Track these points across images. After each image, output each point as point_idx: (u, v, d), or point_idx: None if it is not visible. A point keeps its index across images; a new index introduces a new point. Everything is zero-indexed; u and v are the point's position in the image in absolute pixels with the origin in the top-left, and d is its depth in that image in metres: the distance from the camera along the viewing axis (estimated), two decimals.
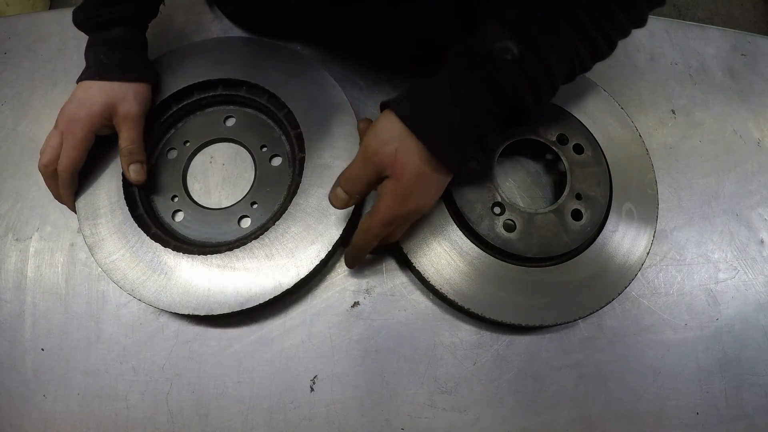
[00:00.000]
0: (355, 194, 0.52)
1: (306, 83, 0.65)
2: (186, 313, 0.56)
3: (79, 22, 0.59)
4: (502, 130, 0.55)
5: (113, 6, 0.58)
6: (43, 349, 0.61)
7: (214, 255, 0.58)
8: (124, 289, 0.57)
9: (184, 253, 0.59)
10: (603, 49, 0.51)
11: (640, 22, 0.52)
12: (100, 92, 0.56)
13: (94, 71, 0.58)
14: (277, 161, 0.66)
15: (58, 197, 0.60)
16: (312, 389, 0.60)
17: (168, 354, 0.60)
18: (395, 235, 0.57)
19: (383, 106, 0.51)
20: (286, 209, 0.60)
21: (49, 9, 1.94)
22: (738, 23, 2.02)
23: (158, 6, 0.65)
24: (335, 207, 0.54)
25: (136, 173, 0.58)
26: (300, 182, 0.61)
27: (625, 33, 0.52)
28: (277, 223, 0.60)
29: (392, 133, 0.49)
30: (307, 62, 0.67)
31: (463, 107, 0.48)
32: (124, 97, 0.57)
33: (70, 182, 0.58)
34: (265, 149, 0.66)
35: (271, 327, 0.62)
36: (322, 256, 0.58)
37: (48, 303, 0.62)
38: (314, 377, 0.60)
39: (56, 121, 0.57)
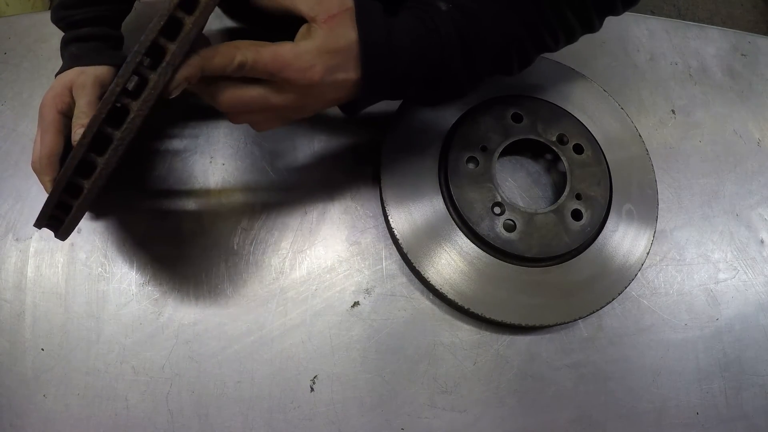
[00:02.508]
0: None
1: None
2: None
3: (55, 20, 0.62)
4: (429, 96, 0.53)
5: (85, 7, 0.60)
6: (43, 349, 0.61)
7: None
8: None
9: None
10: (549, 44, 0.54)
11: (590, 28, 0.56)
12: (63, 77, 0.58)
13: (66, 64, 0.60)
14: None
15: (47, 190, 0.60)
16: (312, 389, 0.60)
17: (168, 354, 0.60)
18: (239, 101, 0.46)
19: None
20: None
21: (49, 9, 1.94)
22: (738, 23, 2.02)
23: (131, 5, 0.66)
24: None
25: (79, 135, 0.56)
26: None
27: (573, 36, 0.56)
28: None
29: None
30: None
31: (403, 41, 0.47)
32: (82, 72, 0.58)
33: (48, 167, 0.57)
34: None
35: (271, 327, 0.62)
36: None
37: (48, 303, 0.62)
38: (314, 377, 0.60)
39: None
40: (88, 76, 0.58)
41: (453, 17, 0.49)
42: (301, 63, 0.43)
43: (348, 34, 0.45)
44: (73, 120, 0.57)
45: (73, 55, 0.60)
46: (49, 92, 0.58)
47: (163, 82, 0.40)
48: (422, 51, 0.48)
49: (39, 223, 0.47)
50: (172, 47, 0.40)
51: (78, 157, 0.41)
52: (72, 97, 0.58)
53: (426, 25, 0.48)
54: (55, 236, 0.49)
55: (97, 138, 0.41)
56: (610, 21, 0.59)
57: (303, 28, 0.45)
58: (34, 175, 0.58)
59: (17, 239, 0.65)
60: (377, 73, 0.47)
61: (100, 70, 0.59)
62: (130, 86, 0.41)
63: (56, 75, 0.60)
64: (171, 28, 0.40)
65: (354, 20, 0.45)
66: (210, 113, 0.69)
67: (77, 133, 0.56)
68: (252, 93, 0.45)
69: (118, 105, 0.41)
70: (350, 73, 0.46)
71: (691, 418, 0.63)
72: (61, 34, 0.62)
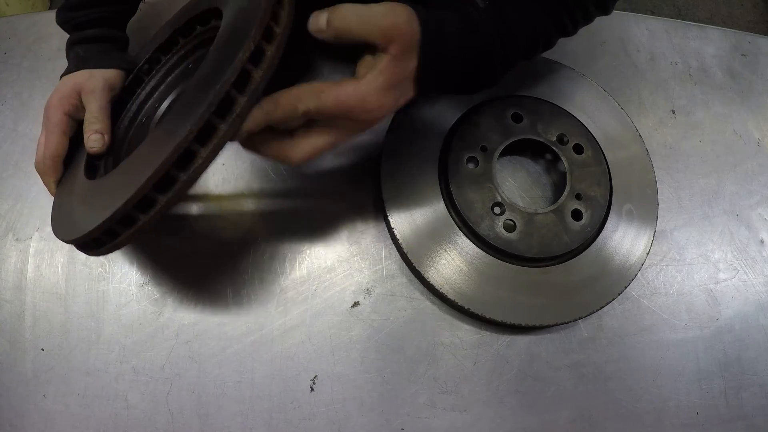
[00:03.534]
0: (338, 29, 0.43)
1: None
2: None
3: (60, 22, 0.61)
4: (468, 85, 0.54)
5: (90, 8, 0.59)
6: (43, 349, 0.61)
7: None
8: None
9: None
10: (569, 29, 0.57)
11: (605, 11, 0.59)
12: (71, 79, 0.58)
13: (72, 66, 0.59)
14: None
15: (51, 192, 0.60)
16: (312, 389, 0.60)
17: (168, 354, 0.60)
18: (306, 147, 0.46)
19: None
20: None
21: (49, 9, 1.94)
22: (738, 23, 2.02)
23: (136, 6, 0.66)
24: (310, 29, 0.44)
25: (93, 141, 0.57)
26: None
27: (590, 19, 0.59)
28: None
29: (411, 16, 0.45)
30: None
31: (450, 39, 0.48)
32: (91, 75, 0.58)
33: (52, 169, 0.58)
34: None
35: (271, 327, 0.62)
36: None
37: (48, 303, 0.62)
38: (314, 377, 0.60)
39: None
40: (97, 81, 0.58)
41: (490, 14, 0.50)
42: (368, 105, 0.44)
43: (411, 63, 0.45)
44: (85, 125, 0.57)
45: (79, 57, 0.59)
46: (56, 93, 0.58)
47: (232, 132, 0.41)
48: (466, 51, 0.49)
49: (78, 240, 0.47)
50: (241, 100, 0.41)
51: (141, 194, 0.41)
52: (80, 100, 0.57)
53: (468, 24, 0.49)
54: (86, 254, 0.50)
55: (163, 178, 0.41)
56: (610, 21, 0.60)
57: (367, 60, 0.45)
58: (35, 175, 0.58)
59: (17, 239, 0.65)
60: (429, 85, 0.49)
61: (108, 74, 0.59)
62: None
63: (62, 76, 0.59)
64: (241, 80, 0.41)
65: (418, 49, 0.45)
66: None
67: (91, 139, 0.56)
68: (320, 144, 0.46)
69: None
70: (410, 93, 0.48)
71: (691, 418, 0.63)
72: (62, 34, 0.62)
